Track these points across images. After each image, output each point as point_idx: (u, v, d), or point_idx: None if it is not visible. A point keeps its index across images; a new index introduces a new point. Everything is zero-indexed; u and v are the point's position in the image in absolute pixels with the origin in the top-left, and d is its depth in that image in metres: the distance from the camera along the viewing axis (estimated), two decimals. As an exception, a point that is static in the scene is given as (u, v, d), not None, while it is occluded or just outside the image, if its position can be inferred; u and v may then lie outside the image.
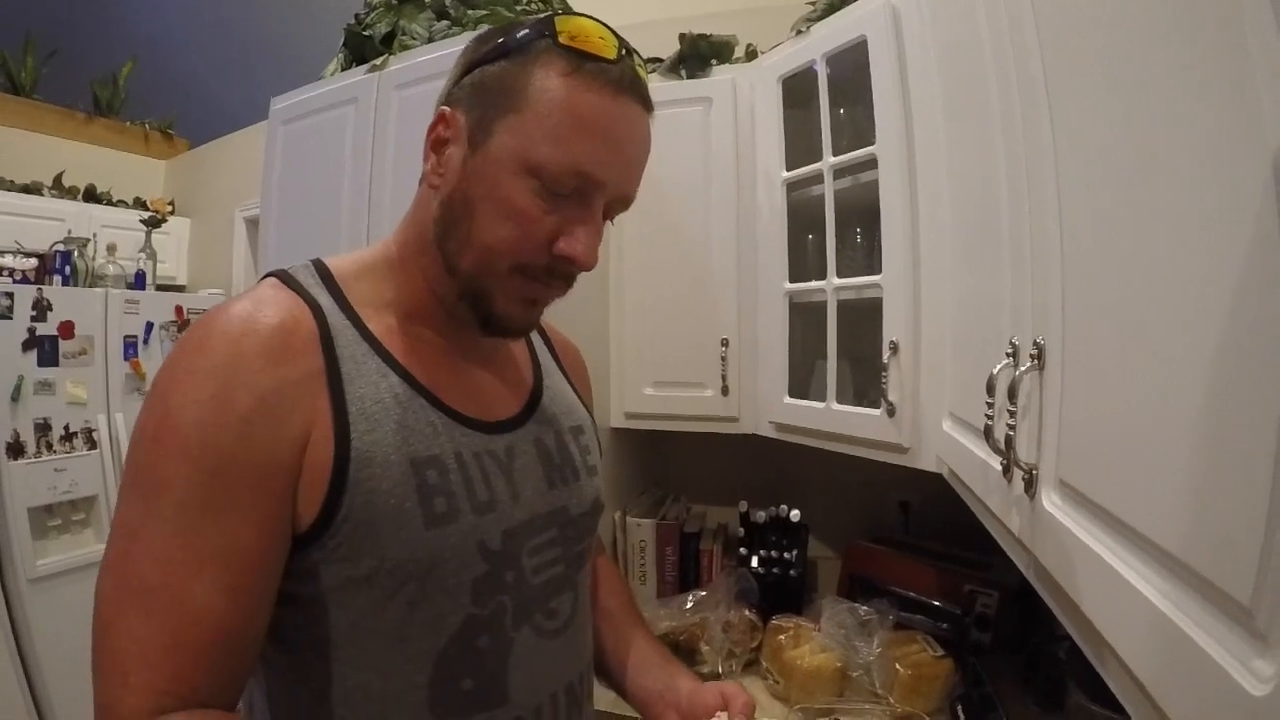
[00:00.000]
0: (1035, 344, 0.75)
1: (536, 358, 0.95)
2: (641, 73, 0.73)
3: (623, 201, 0.76)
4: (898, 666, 1.52)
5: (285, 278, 0.74)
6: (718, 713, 0.89)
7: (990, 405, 0.82)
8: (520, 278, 0.73)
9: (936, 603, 1.72)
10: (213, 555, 0.62)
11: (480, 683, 0.73)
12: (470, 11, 1.92)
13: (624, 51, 0.71)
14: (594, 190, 0.72)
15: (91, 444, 2.94)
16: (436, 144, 0.74)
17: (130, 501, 0.63)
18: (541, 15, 0.74)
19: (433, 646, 0.71)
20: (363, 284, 0.77)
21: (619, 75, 0.70)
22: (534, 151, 0.68)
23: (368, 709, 0.70)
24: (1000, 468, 0.83)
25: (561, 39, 0.69)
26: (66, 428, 2.87)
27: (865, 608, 1.66)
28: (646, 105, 0.74)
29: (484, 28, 1.84)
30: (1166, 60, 0.48)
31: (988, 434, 0.83)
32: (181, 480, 0.61)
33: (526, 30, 0.71)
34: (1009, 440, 0.79)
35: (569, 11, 1.98)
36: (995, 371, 0.82)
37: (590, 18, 0.72)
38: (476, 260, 0.72)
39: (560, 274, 0.75)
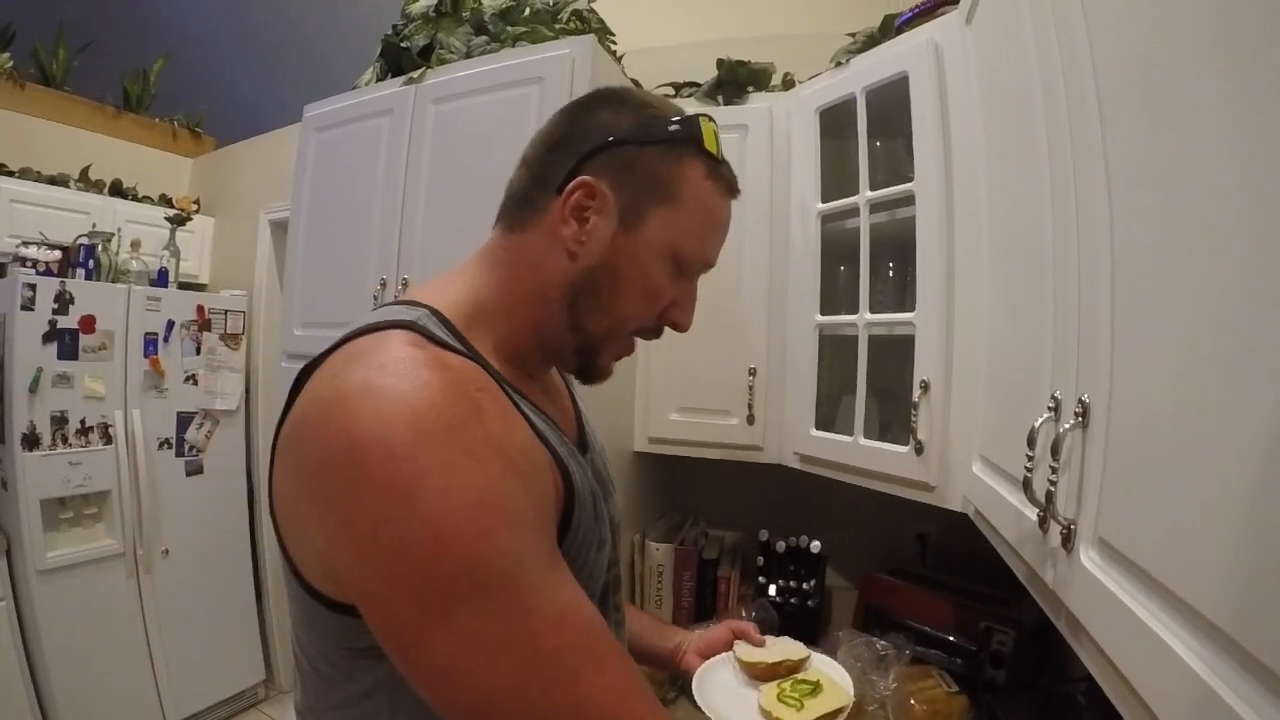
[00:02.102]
0: (1080, 402, 0.75)
1: (568, 386, 1.01)
2: None
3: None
4: (913, 702, 1.51)
5: (422, 331, 0.70)
6: (736, 642, 1.13)
7: (1030, 458, 0.82)
8: (630, 339, 0.84)
9: (952, 638, 1.71)
10: (575, 584, 0.65)
11: None
12: (509, 28, 1.93)
13: (721, 148, 0.82)
14: (704, 271, 0.85)
15: (107, 439, 2.95)
16: (577, 210, 0.77)
17: (483, 609, 0.58)
18: (679, 112, 0.81)
19: None
20: (475, 331, 0.77)
21: (733, 178, 0.83)
22: (682, 244, 0.79)
23: None
24: (1036, 519, 0.83)
25: (705, 144, 0.79)
26: (83, 422, 2.88)
27: (882, 641, 1.65)
28: (738, 196, 0.86)
29: (522, 45, 1.87)
30: (1237, 106, 0.48)
31: (1026, 485, 0.83)
32: (528, 549, 0.61)
33: (677, 127, 0.78)
34: (1049, 495, 0.78)
35: (606, 34, 2.01)
36: (1037, 425, 0.82)
37: (708, 117, 0.81)
38: (608, 326, 0.81)
39: (659, 334, 0.86)
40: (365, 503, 0.58)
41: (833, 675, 1.10)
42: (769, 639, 1.15)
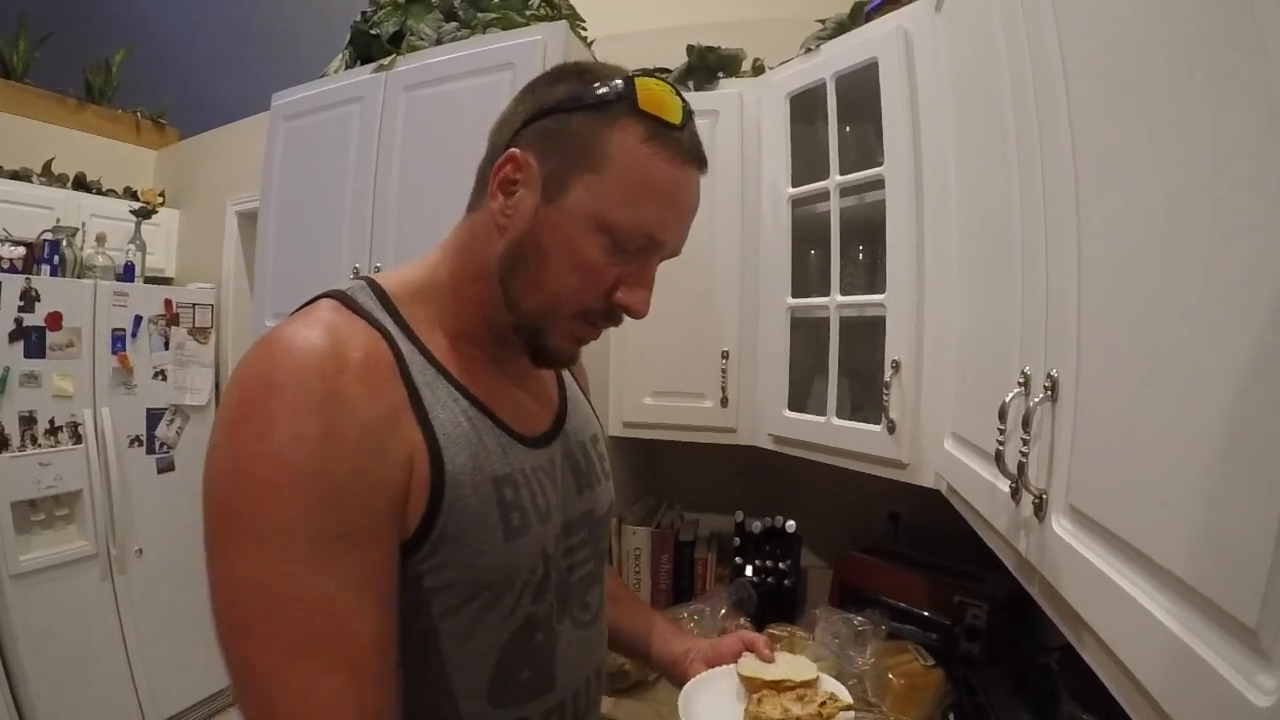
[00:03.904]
0: (1049, 376, 0.77)
1: (560, 375, 0.99)
2: (699, 135, 0.78)
3: (674, 254, 0.81)
4: (890, 676, 1.54)
5: (346, 300, 0.74)
6: (745, 652, 1.06)
7: (1002, 431, 0.84)
8: (578, 321, 0.79)
9: (927, 613, 1.75)
10: (357, 582, 0.63)
11: (534, 673, 0.80)
12: (480, 14, 1.93)
13: (686, 114, 0.75)
14: (655, 249, 0.77)
15: (77, 438, 2.91)
16: (505, 184, 0.75)
17: (249, 553, 0.60)
18: (620, 75, 0.75)
19: (496, 643, 0.76)
20: (416, 307, 0.78)
21: (688, 143, 0.75)
22: (610, 213, 0.72)
23: (429, 701, 0.73)
24: (1009, 490, 0.85)
25: (641, 104, 0.72)
26: (52, 421, 2.84)
27: (859, 617, 1.69)
28: (705, 167, 0.78)
29: (493, 31, 1.87)
30: (1200, 96, 0.49)
31: (998, 459, 0.85)
32: (310, 517, 0.61)
33: (606, 89, 0.73)
34: (1021, 467, 0.81)
35: (577, 19, 2.01)
36: (1008, 400, 0.84)
37: (659, 78, 0.75)
38: (541, 303, 0.76)
39: (614, 318, 0.80)
40: (214, 432, 0.65)
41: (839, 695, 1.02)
42: (780, 655, 1.07)
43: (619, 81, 0.73)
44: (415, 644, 0.71)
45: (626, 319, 0.80)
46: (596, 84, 0.74)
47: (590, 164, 0.72)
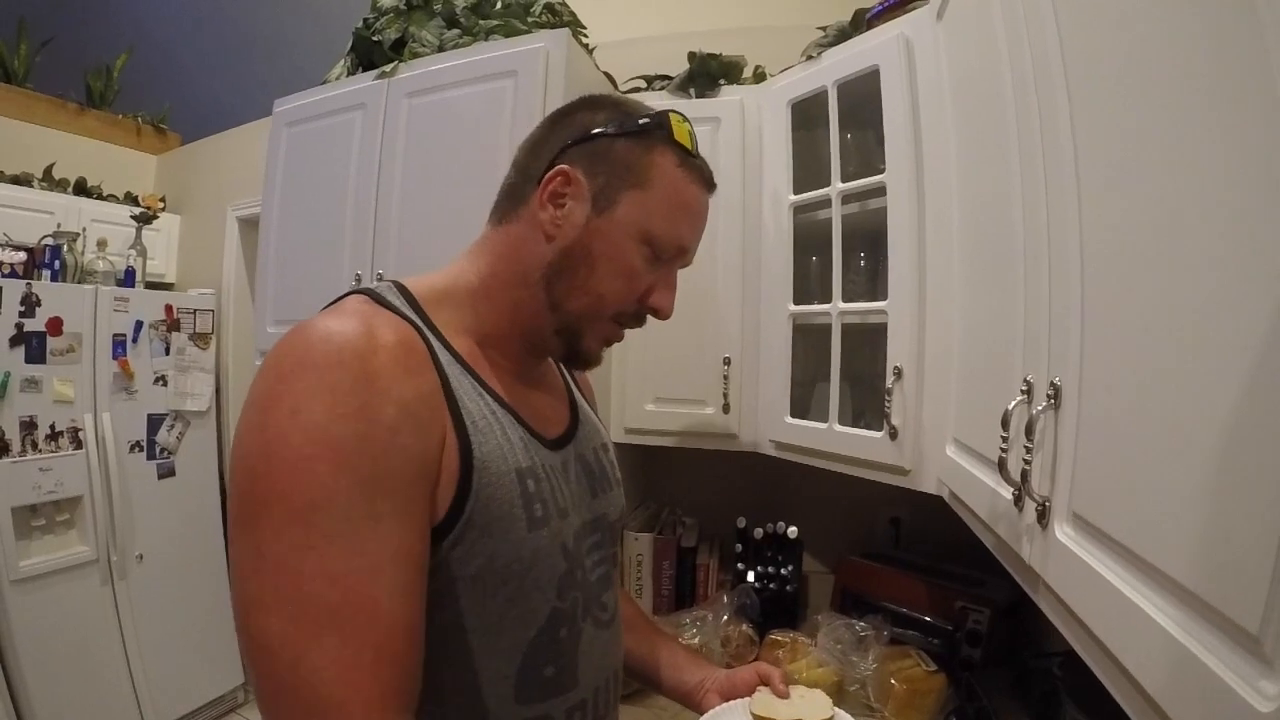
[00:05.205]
0: (1052, 384, 0.78)
1: (567, 383, 1.03)
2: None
3: (689, 263, 0.91)
4: (893, 681, 1.55)
5: (375, 296, 0.78)
6: (759, 686, 1.05)
7: (1004, 439, 0.85)
8: (611, 323, 0.87)
9: (928, 618, 1.75)
10: (386, 561, 0.64)
11: (559, 670, 0.82)
12: (482, 22, 1.93)
13: (696, 144, 0.87)
14: (680, 258, 0.88)
15: (78, 444, 2.90)
16: (554, 196, 0.83)
17: (278, 527, 0.61)
18: (650, 108, 0.85)
19: (523, 639, 0.78)
20: (443, 309, 0.82)
21: (708, 171, 0.88)
22: (652, 225, 0.82)
23: (455, 701, 0.75)
24: (1011, 497, 0.85)
25: (675, 135, 0.83)
26: (53, 426, 2.82)
27: (861, 623, 1.69)
28: (715, 190, 0.90)
29: (495, 38, 1.88)
30: (1199, 104, 0.50)
31: (1001, 466, 0.85)
32: (343, 493, 0.62)
33: (646, 120, 0.84)
34: (1024, 474, 0.81)
35: (579, 27, 2.02)
36: (1010, 407, 0.85)
37: (679, 114, 0.86)
38: (586, 305, 0.84)
39: (641, 320, 0.89)
40: (245, 413, 0.66)
41: None
42: (795, 689, 1.05)
43: (655, 114, 0.84)
44: (442, 638, 0.72)
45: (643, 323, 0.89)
46: (637, 115, 0.84)
47: (635, 182, 0.82)
